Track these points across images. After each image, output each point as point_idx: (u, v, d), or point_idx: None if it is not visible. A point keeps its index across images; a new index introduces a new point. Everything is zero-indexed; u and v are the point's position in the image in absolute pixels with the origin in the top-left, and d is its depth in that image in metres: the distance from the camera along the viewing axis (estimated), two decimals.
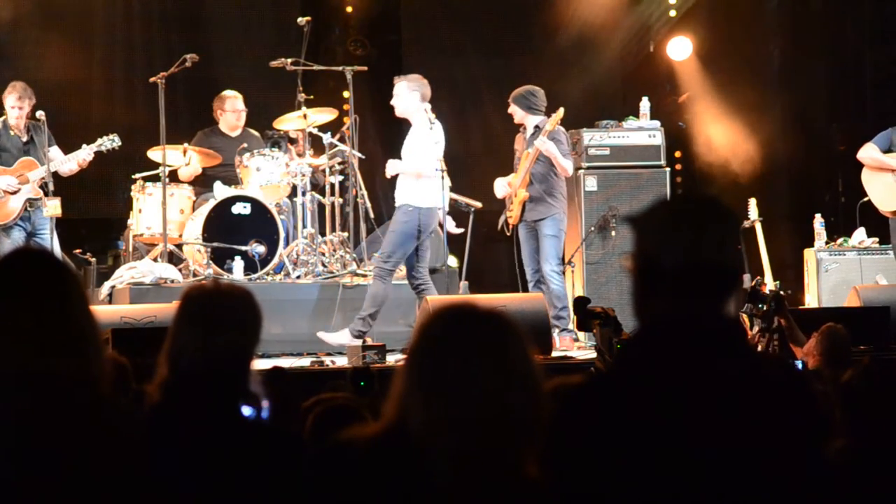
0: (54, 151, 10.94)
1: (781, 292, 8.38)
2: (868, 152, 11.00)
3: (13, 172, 10.79)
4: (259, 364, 3.47)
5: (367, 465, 2.65)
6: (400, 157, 10.48)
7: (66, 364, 2.84)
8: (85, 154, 10.77)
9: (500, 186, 10.94)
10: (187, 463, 3.19)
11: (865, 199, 11.30)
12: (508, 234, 10.98)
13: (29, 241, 10.64)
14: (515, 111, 10.89)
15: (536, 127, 10.78)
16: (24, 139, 10.84)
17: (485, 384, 2.63)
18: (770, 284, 12.07)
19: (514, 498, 2.63)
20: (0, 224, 10.88)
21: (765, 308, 8.03)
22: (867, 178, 11.06)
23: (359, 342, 9.89)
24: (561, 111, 10.77)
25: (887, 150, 10.95)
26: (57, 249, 10.64)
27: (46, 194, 10.73)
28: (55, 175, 10.85)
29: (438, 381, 2.64)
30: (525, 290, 10.86)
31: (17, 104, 10.78)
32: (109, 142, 10.90)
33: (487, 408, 2.63)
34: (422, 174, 10.20)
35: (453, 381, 2.63)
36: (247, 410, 3.34)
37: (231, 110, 12.22)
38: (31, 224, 10.81)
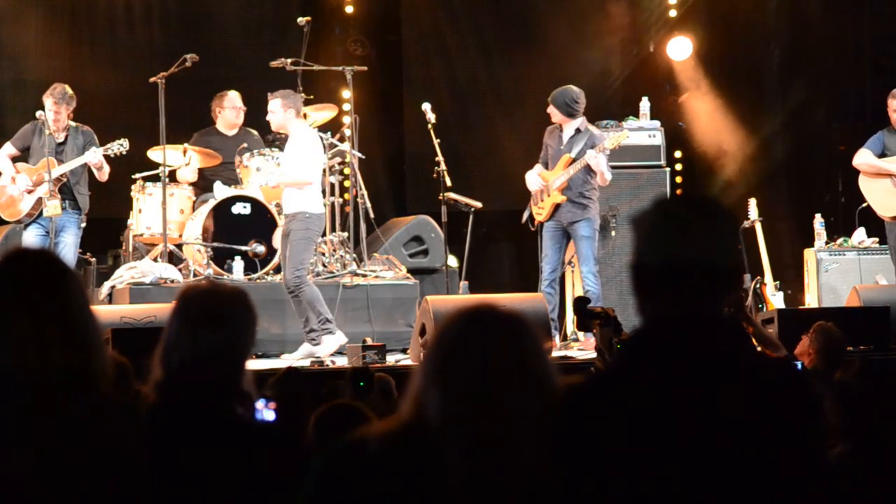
0: (89, 155, 10.70)
1: (742, 292, 8.14)
2: (864, 158, 10.88)
3: (33, 172, 10.71)
4: (264, 364, 3.48)
5: (384, 460, 2.68)
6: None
7: (67, 364, 2.84)
8: (90, 157, 10.69)
9: (534, 180, 10.79)
10: (182, 463, 3.19)
11: (864, 204, 11.24)
12: (533, 229, 10.90)
13: (49, 241, 10.52)
14: (554, 113, 10.77)
15: (578, 130, 10.72)
16: (60, 140, 10.69)
17: (502, 383, 2.67)
18: (770, 284, 12.10)
19: (528, 495, 2.65)
20: (12, 221, 10.88)
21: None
22: (865, 183, 10.96)
23: (342, 342, 9.91)
24: (626, 133, 11.03)
25: (881, 154, 10.87)
26: (70, 254, 10.53)
27: (73, 196, 10.63)
28: (92, 176, 10.80)
29: (456, 380, 2.68)
30: (525, 290, 10.81)
31: (54, 108, 10.61)
32: (118, 146, 10.84)
33: (504, 406, 2.66)
34: (310, 182, 10.23)
35: (471, 380, 2.67)
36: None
37: (230, 107, 12.22)
38: (53, 224, 10.59)
